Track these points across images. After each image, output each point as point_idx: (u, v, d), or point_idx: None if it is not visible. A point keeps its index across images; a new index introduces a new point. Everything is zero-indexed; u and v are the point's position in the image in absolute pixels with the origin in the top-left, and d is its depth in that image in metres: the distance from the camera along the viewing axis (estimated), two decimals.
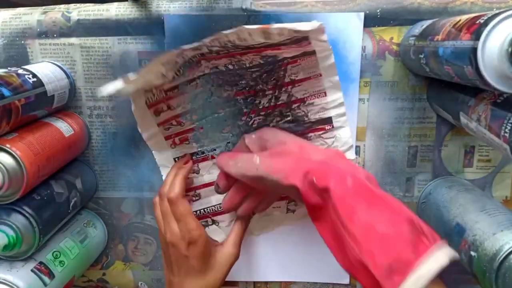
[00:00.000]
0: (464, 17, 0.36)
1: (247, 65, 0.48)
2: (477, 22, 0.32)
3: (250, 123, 0.51)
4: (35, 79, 0.45)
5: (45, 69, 0.48)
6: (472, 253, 0.40)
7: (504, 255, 0.36)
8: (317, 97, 0.49)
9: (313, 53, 0.46)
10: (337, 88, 0.49)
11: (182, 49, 0.42)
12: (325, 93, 0.49)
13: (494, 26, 0.30)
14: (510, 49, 0.30)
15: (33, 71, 0.46)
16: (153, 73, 0.43)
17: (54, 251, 0.48)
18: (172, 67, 0.45)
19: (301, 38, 0.45)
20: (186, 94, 0.49)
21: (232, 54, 0.46)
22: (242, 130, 0.51)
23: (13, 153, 0.40)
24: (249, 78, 0.48)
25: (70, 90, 0.51)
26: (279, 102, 0.49)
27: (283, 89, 0.49)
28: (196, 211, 0.53)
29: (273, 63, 0.47)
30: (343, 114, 0.50)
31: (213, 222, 0.54)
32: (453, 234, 0.44)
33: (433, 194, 0.51)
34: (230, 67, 0.48)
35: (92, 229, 0.54)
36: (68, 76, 0.51)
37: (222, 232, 0.54)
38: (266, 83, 0.48)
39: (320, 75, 0.48)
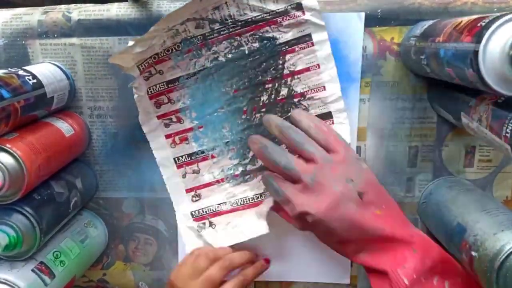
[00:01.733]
0: (466, 19, 0.36)
1: (247, 52, 0.49)
2: (479, 24, 0.32)
3: (251, 119, 0.51)
4: (35, 81, 0.45)
5: (45, 70, 0.48)
6: (473, 253, 0.40)
7: (505, 255, 0.36)
8: (317, 91, 0.50)
9: (309, 38, 0.48)
10: (335, 82, 0.49)
11: (186, 5, 0.45)
12: (324, 87, 0.50)
13: (495, 29, 0.30)
14: (511, 52, 0.30)
15: (34, 72, 0.46)
16: (158, 34, 0.47)
17: (55, 251, 0.48)
18: (173, 35, 0.48)
19: (295, 6, 0.47)
20: (186, 88, 0.50)
21: (231, 34, 0.48)
22: (243, 128, 0.51)
23: (14, 153, 0.40)
24: (248, 68, 0.49)
25: (70, 92, 0.51)
26: (279, 97, 0.50)
27: (283, 81, 0.50)
28: (194, 211, 0.54)
29: (272, 49, 0.49)
30: (343, 110, 0.50)
31: (210, 224, 0.54)
32: (454, 234, 0.44)
33: (434, 194, 0.51)
34: (230, 56, 0.49)
35: (92, 229, 0.54)
36: (68, 77, 0.51)
37: (217, 236, 0.53)
38: (265, 73, 0.49)
39: (319, 66, 0.49)
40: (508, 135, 0.34)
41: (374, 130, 0.52)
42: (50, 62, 0.51)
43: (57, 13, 0.51)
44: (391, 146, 0.53)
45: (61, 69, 0.51)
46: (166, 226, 0.57)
